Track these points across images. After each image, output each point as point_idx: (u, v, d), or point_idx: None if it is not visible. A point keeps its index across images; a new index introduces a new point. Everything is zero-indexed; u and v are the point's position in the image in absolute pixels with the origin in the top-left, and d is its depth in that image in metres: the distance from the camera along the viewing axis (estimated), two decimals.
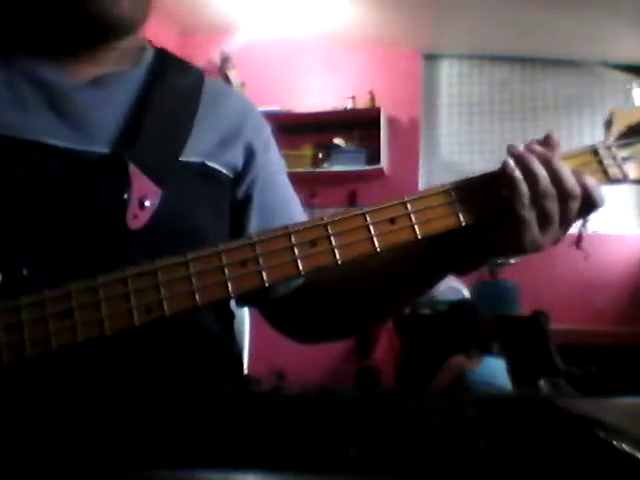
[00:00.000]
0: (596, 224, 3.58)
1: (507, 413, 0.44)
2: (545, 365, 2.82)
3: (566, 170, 0.61)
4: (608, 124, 0.67)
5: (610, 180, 0.64)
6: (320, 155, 3.98)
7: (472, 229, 0.62)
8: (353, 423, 0.43)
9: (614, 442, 0.38)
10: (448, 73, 4.14)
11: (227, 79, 3.89)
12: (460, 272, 0.68)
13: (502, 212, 0.61)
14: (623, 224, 3.69)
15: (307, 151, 3.97)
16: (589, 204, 0.61)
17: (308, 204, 3.78)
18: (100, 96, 0.71)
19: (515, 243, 0.62)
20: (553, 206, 0.60)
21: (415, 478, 0.38)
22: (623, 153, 0.65)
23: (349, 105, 3.98)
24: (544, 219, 0.60)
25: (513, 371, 2.52)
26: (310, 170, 3.89)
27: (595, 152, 0.65)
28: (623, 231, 3.69)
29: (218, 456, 0.40)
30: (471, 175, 0.63)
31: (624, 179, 0.65)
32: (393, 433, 0.42)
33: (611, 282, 3.62)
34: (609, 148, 0.65)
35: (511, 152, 0.62)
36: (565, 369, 2.81)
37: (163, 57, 0.80)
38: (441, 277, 0.71)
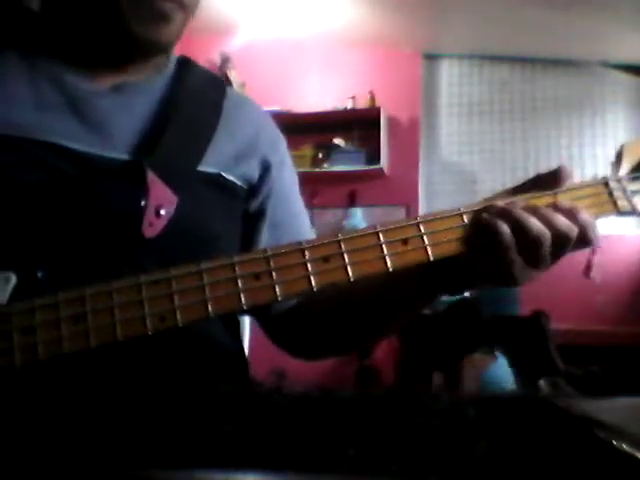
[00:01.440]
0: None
1: (507, 413, 0.44)
2: (545, 365, 2.82)
3: (555, 214, 0.59)
4: (618, 156, 0.68)
5: (619, 212, 0.65)
6: (320, 155, 3.98)
7: (466, 257, 0.61)
8: (353, 423, 0.43)
9: (614, 442, 0.38)
10: (448, 73, 4.14)
11: (227, 79, 3.89)
12: (452, 293, 0.68)
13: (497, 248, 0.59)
14: (623, 224, 3.69)
15: (307, 151, 3.97)
16: (583, 240, 0.60)
17: (308, 204, 3.77)
18: (121, 103, 0.71)
19: (506, 279, 0.61)
20: (547, 247, 0.59)
21: (415, 478, 0.38)
22: (633, 186, 0.66)
23: (349, 105, 3.99)
24: (538, 259, 0.59)
25: (513, 371, 2.52)
26: (310, 170, 3.89)
27: (606, 184, 0.65)
28: (623, 231, 3.69)
29: (218, 456, 0.40)
30: (486, 196, 0.63)
31: (633, 212, 0.66)
32: (393, 433, 0.42)
33: (611, 282, 3.62)
34: (619, 181, 0.66)
35: (492, 209, 0.59)
36: (565, 369, 2.80)
37: (186, 65, 0.80)
38: (433, 298, 0.71)
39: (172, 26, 0.69)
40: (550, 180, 0.63)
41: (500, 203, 0.60)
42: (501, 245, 0.58)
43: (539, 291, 3.45)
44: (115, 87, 0.72)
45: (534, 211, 0.59)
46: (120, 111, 0.71)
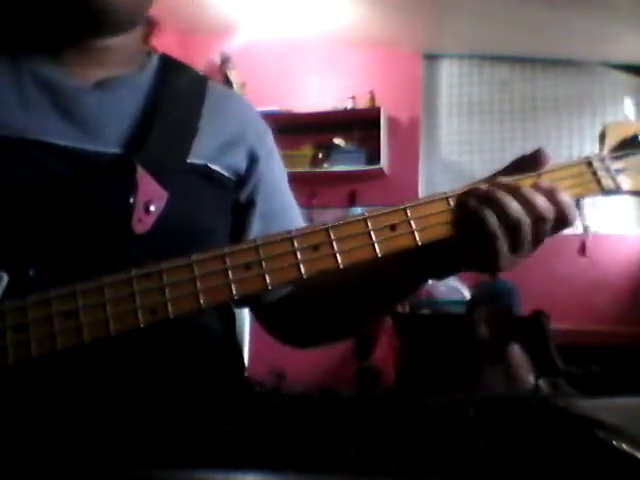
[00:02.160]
0: (596, 224, 3.59)
1: (507, 413, 0.44)
2: (545, 365, 2.82)
3: (536, 194, 0.60)
4: (602, 137, 0.68)
5: (604, 191, 0.65)
6: (320, 155, 3.97)
7: (451, 242, 0.61)
8: (353, 423, 0.43)
9: (614, 442, 0.38)
10: (448, 73, 4.13)
11: (227, 79, 3.90)
12: (438, 277, 0.68)
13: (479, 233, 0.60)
14: (623, 224, 3.69)
15: (307, 151, 3.97)
16: (561, 221, 0.61)
17: (308, 204, 3.78)
18: (106, 98, 0.72)
19: (487, 264, 0.61)
20: (526, 232, 0.59)
21: (415, 478, 0.38)
22: (616, 165, 0.66)
23: (349, 105, 3.98)
24: (518, 244, 0.59)
25: None
26: (310, 170, 3.89)
27: (589, 163, 0.66)
28: (623, 231, 3.69)
29: (218, 456, 0.40)
30: (472, 181, 0.63)
31: (617, 190, 0.66)
32: (393, 433, 0.42)
33: (611, 282, 3.62)
34: (603, 160, 0.66)
35: (476, 194, 0.60)
36: (565, 369, 2.80)
37: (167, 62, 0.81)
38: (420, 283, 0.71)
39: None
40: (531, 163, 0.63)
41: (483, 187, 0.60)
42: (488, 234, 0.58)
43: (539, 291, 3.46)
44: (99, 83, 0.72)
45: (514, 193, 0.59)
46: (105, 107, 0.71)
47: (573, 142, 3.84)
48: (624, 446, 0.38)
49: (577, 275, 3.65)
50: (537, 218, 0.59)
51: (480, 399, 0.46)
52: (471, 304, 2.88)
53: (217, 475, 0.38)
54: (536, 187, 0.61)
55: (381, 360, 3.50)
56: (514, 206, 0.58)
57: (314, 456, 0.39)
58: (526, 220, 0.58)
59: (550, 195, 0.60)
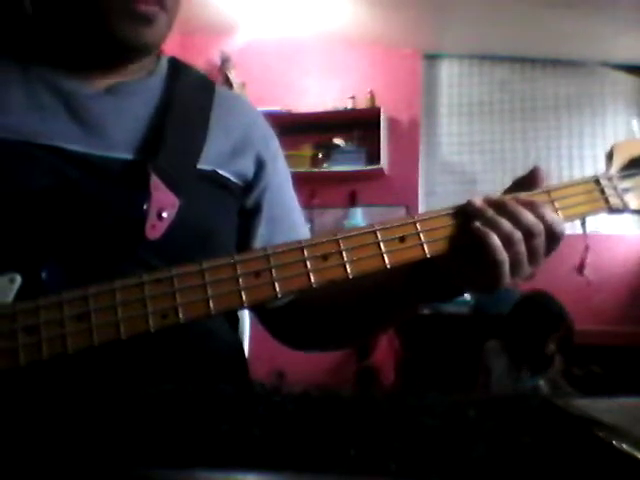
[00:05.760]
0: (596, 224, 3.59)
1: (507, 413, 0.44)
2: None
3: (522, 210, 0.60)
4: (609, 155, 0.69)
5: (611, 209, 0.66)
6: (320, 155, 3.97)
7: (451, 259, 0.61)
8: (353, 423, 0.43)
9: (614, 442, 0.38)
10: (448, 73, 4.13)
11: (227, 79, 3.90)
12: (440, 300, 0.68)
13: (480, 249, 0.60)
14: (623, 224, 3.69)
15: (307, 151, 3.97)
16: (551, 238, 0.61)
17: (308, 204, 3.78)
18: (117, 104, 0.72)
19: (487, 283, 0.61)
20: (521, 248, 0.59)
21: (415, 477, 0.38)
22: (624, 184, 0.67)
23: (349, 105, 3.98)
24: (515, 263, 0.60)
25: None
26: (310, 170, 3.89)
27: (597, 181, 0.67)
28: (623, 231, 3.69)
29: (218, 456, 0.40)
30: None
31: (624, 209, 0.67)
32: (393, 433, 0.42)
33: (611, 282, 3.62)
34: (610, 179, 0.67)
35: (469, 209, 0.61)
36: (565, 369, 2.80)
37: (176, 66, 0.82)
38: (421, 303, 0.71)
39: (155, 28, 0.70)
40: (527, 182, 0.64)
41: (478, 203, 0.61)
42: (490, 257, 0.58)
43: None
44: (109, 89, 0.73)
45: (501, 209, 0.60)
46: (116, 112, 0.71)
47: (573, 142, 3.84)
48: (624, 446, 0.38)
49: (577, 275, 3.65)
50: (525, 231, 0.59)
51: (480, 399, 0.46)
52: (550, 321, 2.69)
53: (217, 475, 0.38)
54: (516, 200, 0.61)
55: (381, 360, 3.51)
56: (504, 221, 0.59)
57: (314, 456, 0.40)
58: (517, 234, 0.59)
59: (532, 208, 0.60)
